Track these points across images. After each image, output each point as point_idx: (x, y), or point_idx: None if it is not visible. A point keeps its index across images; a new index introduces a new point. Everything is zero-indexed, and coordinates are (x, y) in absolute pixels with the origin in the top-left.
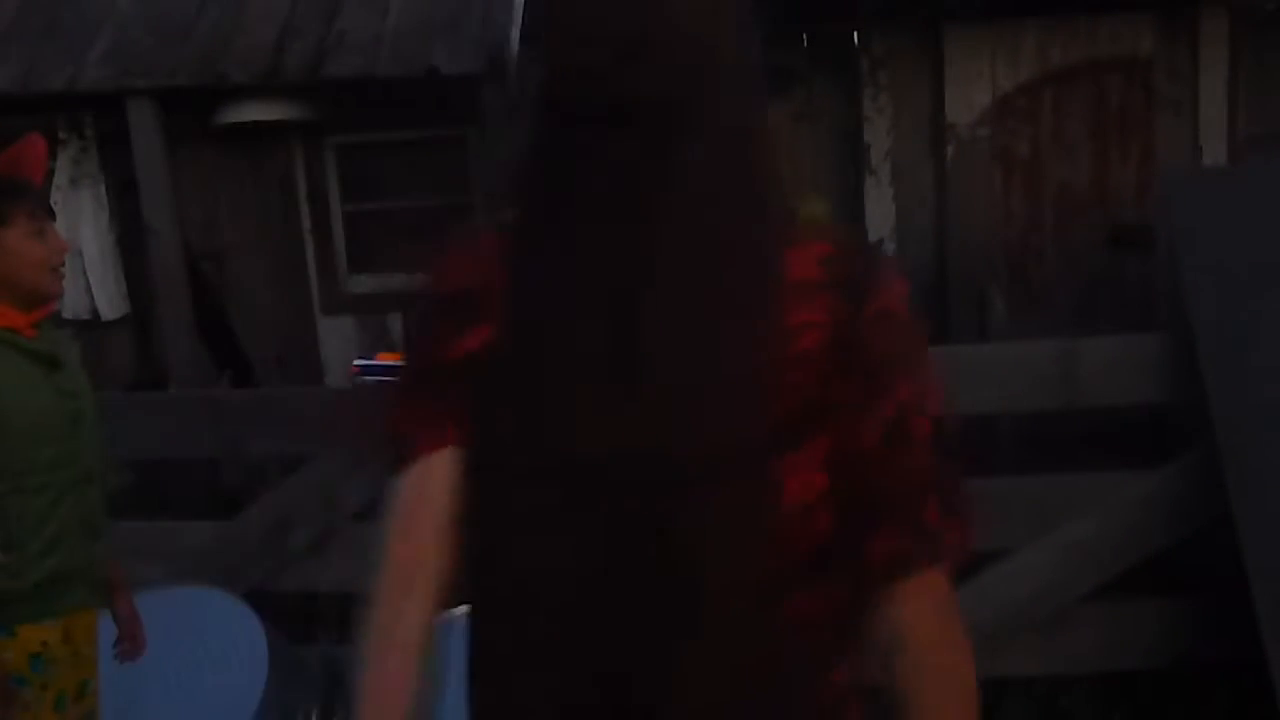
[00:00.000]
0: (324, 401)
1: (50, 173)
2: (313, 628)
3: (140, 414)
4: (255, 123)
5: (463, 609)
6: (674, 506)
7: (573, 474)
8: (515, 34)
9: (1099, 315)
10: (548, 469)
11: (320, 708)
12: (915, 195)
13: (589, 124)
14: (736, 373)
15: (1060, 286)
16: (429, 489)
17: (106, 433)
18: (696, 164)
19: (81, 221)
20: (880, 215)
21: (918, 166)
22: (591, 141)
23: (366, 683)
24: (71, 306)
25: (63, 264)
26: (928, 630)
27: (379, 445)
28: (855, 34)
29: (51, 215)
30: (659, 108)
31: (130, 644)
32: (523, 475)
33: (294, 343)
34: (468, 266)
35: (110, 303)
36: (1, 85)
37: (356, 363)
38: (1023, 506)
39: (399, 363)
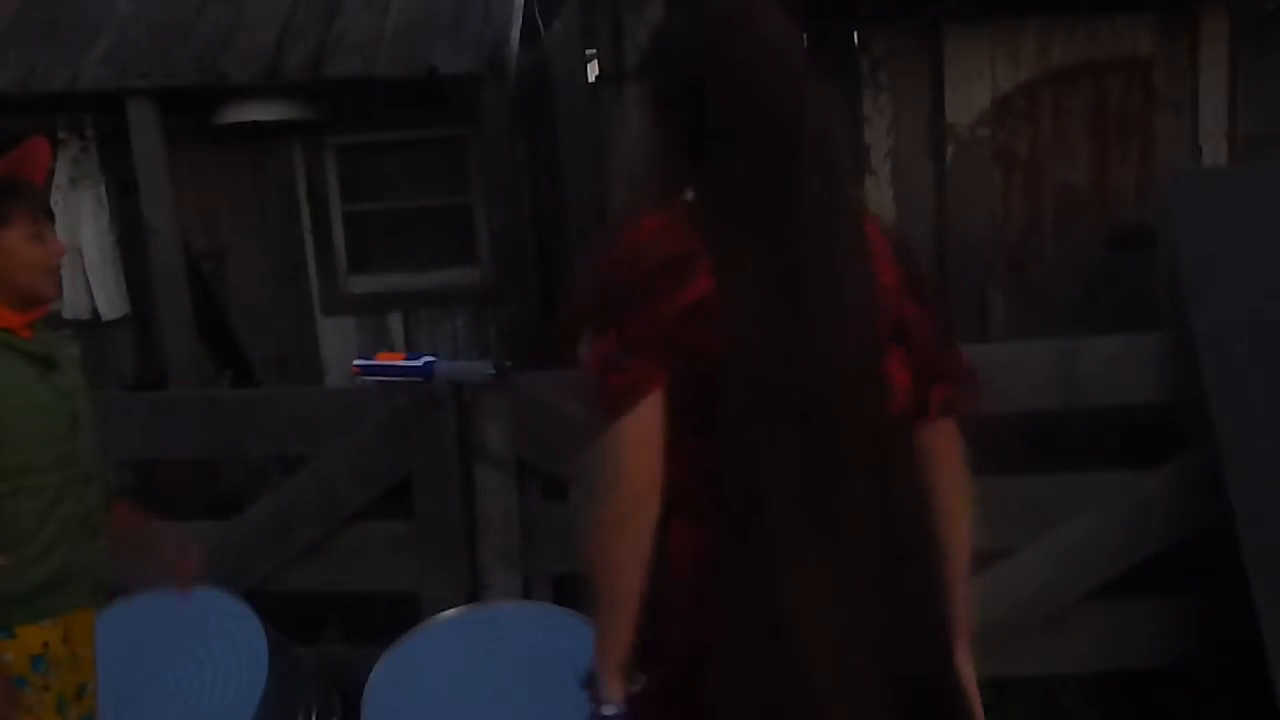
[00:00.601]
0: (324, 401)
1: (50, 173)
2: (313, 628)
3: (140, 414)
4: (255, 123)
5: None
6: (842, 392)
7: (778, 375)
8: (515, 34)
9: (1099, 315)
10: (769, 379)
11: (320, 707)
12: (915, 195)
13: (746, 131)
14: (866, 307)
15: (1060, 286)
16: (649, 428)
17: (106, 432)
18: (811, 160)
19: (81, 221)
20: (880, 215)
21: (918, 166)
22: (750, 145)
23: (610, 587)
24: (71, 306)
25: (59, 267)
26: (951, 451)
27: (594, 392)
28: (855, 34)
29: (51, 218)
30: (790, 118)
31: (183, 568)
32: (754, 385)
33: (294, 343)
34: (670, 236)
35: (110, 303)
36: (1, 85)
37: (356, 363)
38: (1023, 506)
39: (596, 317)
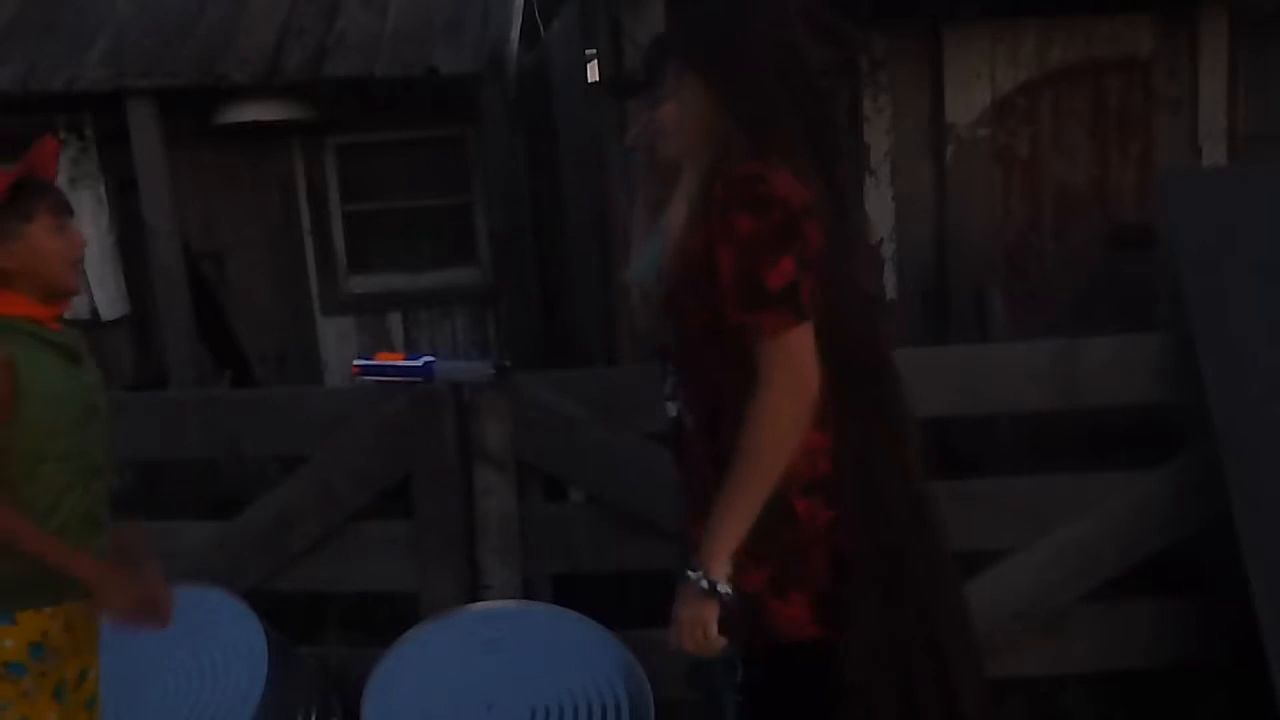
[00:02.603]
0: (324, 401)
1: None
2: (313, 628)
3: (140, 414)
4: (255, 123)
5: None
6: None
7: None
8: (515, 34)
9: (1099, 315)
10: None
11: (320, 708)
12: (915, 195)
13: (801, 107)
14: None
15: (1060, 286)
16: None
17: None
18: (836, 127)
19: (81, 221)
20: (880, 215)
21: (918, 166)
22: (802, 117)
23: (773, 469)
24: (72, 306)
25: (82, 259)
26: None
27: (778, 300)
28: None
29: (70, 211)
30: (825, 97)
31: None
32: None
33: (294, 343)
34: (796, 187)
35: (110, 303)
36: (1, 85)
37: (356, 363)
38: (1023, 506)
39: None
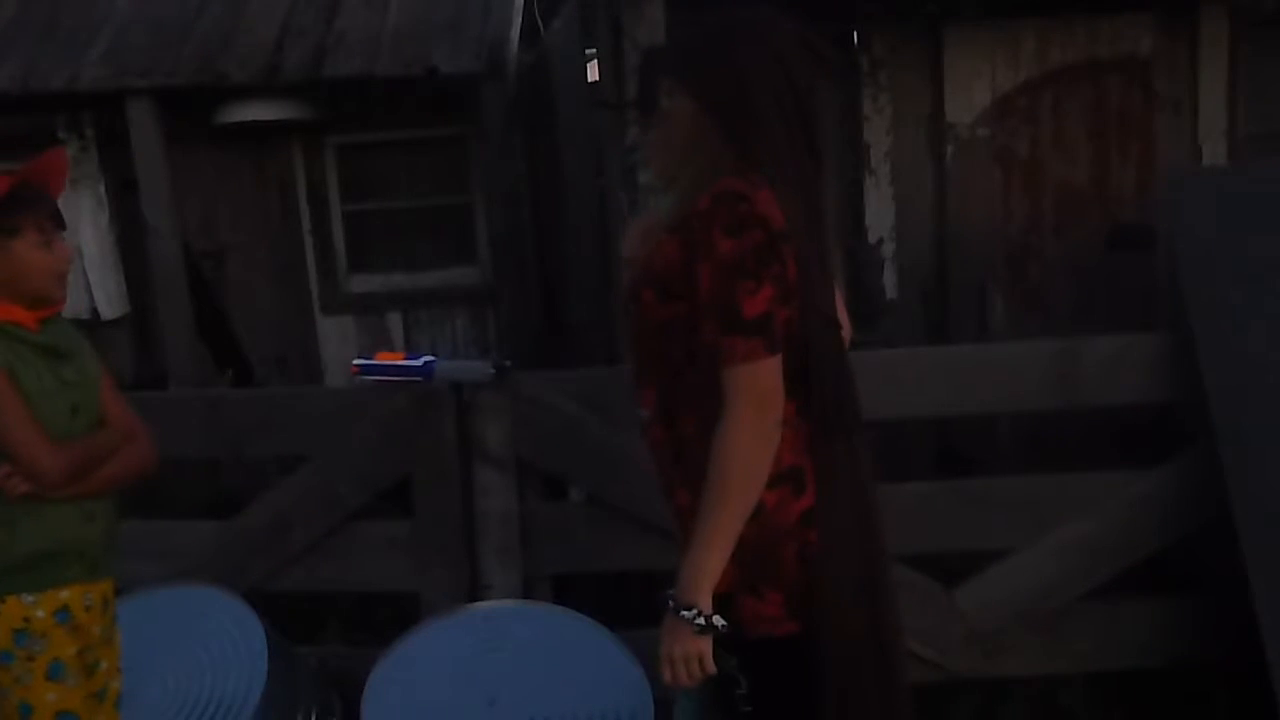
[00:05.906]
0: (324, 401)
1: None
2: (313, 628)
3: (140, 414)
4: (255, 122)
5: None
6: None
7: (828, 329)
8: (515, 34)
9: (1099, 315)
10: (827, 332)
11: (320, 708)
12: (915, 195)
13: (785, 122)
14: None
15: (1060, 286)
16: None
17: None
18: (822, 143)
19: (81, 221)
20: (880, 215)
21: (918, 166)
22: (788, 132)
23: (747, 494)
24: (71, 306)
25: (67, 271)
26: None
27: (754, 327)
28: (855, 34)
29: (59, 224)
30: (812, 111)
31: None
32: (824, 333)
33: (294, 343)
34: (773, 207)
35: (110, 303)
36: (1, 85)
37: (356, 362)
38: (1023, 506)
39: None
